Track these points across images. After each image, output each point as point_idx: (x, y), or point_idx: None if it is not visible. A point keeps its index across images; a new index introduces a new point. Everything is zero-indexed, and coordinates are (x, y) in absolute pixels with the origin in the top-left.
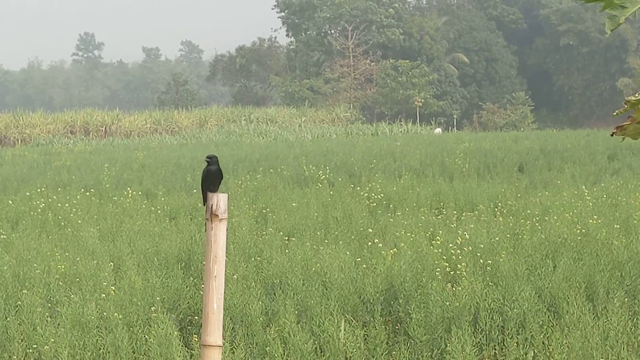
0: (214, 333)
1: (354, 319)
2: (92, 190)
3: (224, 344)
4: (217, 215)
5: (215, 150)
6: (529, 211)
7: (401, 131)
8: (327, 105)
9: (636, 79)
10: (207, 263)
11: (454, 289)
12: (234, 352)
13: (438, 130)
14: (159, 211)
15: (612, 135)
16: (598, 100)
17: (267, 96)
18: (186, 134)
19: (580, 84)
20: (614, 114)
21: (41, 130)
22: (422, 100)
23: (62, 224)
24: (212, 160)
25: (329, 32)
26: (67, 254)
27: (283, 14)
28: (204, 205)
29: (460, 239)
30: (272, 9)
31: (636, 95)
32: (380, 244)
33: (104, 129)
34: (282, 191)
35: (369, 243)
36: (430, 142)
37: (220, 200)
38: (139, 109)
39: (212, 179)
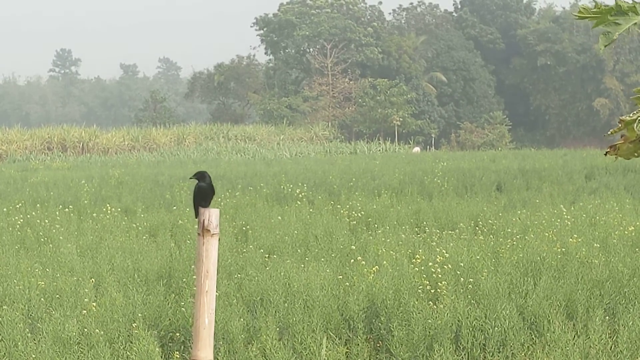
0: (205, 348)
1: (335, 336)
2: (70, 206)
3: None
4: (209, 231)
5: (194, 168)
6: (509, 230)
7: (379, 150)
8: (305, 123)
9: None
10: (199, 278)
11: (435, 306)
12: None
13: (416, 149)
14: (139, 228)
15: (605, 154)
16: (575, 120)
17: (246, 114)
18: (164, 151)
19: (557, 104)
20: (609, 132)
21: (18, 146)
22: (401, 119)
23: (42, 240)
24: (203, 176)
25: (308, 50)
26: (47, 270)
27: (262, 31)
28: (196, 218)
29: (440, 257)
30: (251, 26)
31: (630, 114)
32: (363, 262)
33: (81, 145)
34: (262, 209)
35: (352, 260)
36: (409, 161)
37: (212, 215)
38: (117, 125)
39: (203, 194)
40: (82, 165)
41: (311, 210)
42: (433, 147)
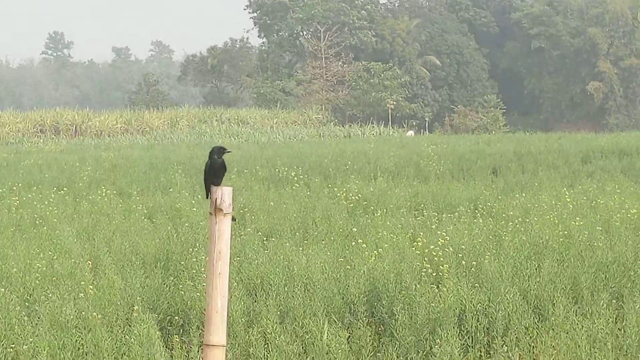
0: (218, 333)
1: (337, 320)
2: (65, 189)
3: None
4: (222, 210)
5: (186, 152)
6: (511, 212)
7: (373, 133)
8: (298, 106)
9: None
10: (211, 260)
11: (438, 290)
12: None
13: (410, 132)
14: (136, 211)
15: None
16: (569, 104)
17: (239, 97)
18: (157, 135)
19: (551, 88)
20: None
21: (10, 129)
22: (394, 103)
23: (37, 222)
24: (216, 152)
25: (301, 33)
26: (44, 252)
27: (255, 14)
28: (207, 199)
29: (442, 240)
30: (244, 9)
31: None
32: (364, 245)
33: (74, 128)
34: (258, 191)
35: (352, 243)
36: (403, 144)
37: (224, 194)
38: (110, 109)
39: (215, 171)
40: (75, 148)
41: (308, 193)
42: (427, 130)
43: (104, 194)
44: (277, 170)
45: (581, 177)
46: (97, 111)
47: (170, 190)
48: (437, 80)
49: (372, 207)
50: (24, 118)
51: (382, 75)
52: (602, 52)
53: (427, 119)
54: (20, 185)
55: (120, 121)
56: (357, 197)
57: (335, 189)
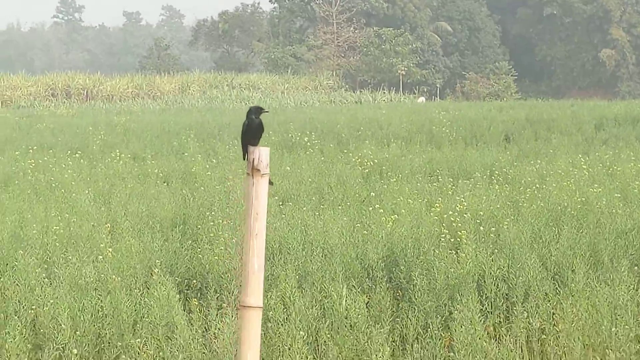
0: (255, 294)
1: (355, 285)
2: (79, 152)
3: (225, 307)
4: (259, 170)
5: (198, 117)
6: (529, 179)
7: (384, 100)
8: (309, 72)
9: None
10: (248, 221)
11: (457, 256)
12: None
13: (421, 99)
14: (151, 175)
15: None
16: (581, 71)
17: (250, 62)
18: (168, 99)
19: (562, 55)
20: None
21: (22, 92)
22: (405, 69)
23: (53, 185)
24: (254, 111)
25: None
26: (62, 215)
27: None
28: (244, 160)
29: (460, 206)
30: None
31: None
32: (381, 210)
33: (85, 92)
34: (272, 156)
35: (370, 209)
36: (415, 111)
37: (262, 154)
38: (120, 73)
39: (253, 132)
40: (87, 112)
41: (322, 158)
42: (438, 97)
43: (118, 158)
44: (290, 135)
45: (595, 145)
46: (108, 75)
47: (185, 154)
48: (448, 47)
49: (388, 173)
50: (35, 82)
51: (394, 41)
52: (614, 19)
53: (438, 86)
54: (35, 148)
55: (131, 86)
56: (371, 163)
57: (350, 154)
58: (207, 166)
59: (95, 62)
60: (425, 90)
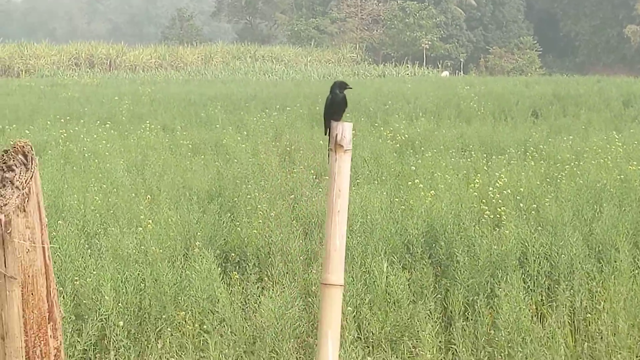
0: (336, 271)
1: (396, 261)
2: (109, 123)
3: (265, 279)
4: (342, 146)
5: (222, 88)
6: (567, 155)
7: (407, 74)
8: (332, 45)
9: None
10: (330, 197)
11: (498, 232)
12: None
13: (445, 73)
14: (182, 146)
15: None
16: (605, 47)
17: (272, 34)
18: (191, 70)
19: (587, 30)
20: None
21: (46, 61)
22: (429, 43)
23: (86, 155)
24: (338, 86)
25: None
26: (99, 186)
27: None
28: (326, 135)
29: (499, 182)
30: None
31: None
32: (421, 185)
33: (108, 62)
34: (302, 129)
35: (409, 183)
36: (440, 85)
37: (345, 129)
38: (143, 43)
39: (337, 107)
40: (111, 82)
41: (354, 132)
42: (461, 71)
43: (148, 129)
44: (317, 108)
45: (625, 121)
46: (131, 46)
47: (217, 125)
48: (472, 21)
49: (421, 148)
50: (59, 51)
51: (418, 14)
52: None
53: (461, 60)
54: (67, 118)
55: (155, 56)
56: (403, 138)
57: (381, 128)
58: (239, 138)
59: (117, 31)
60: (448, 64)
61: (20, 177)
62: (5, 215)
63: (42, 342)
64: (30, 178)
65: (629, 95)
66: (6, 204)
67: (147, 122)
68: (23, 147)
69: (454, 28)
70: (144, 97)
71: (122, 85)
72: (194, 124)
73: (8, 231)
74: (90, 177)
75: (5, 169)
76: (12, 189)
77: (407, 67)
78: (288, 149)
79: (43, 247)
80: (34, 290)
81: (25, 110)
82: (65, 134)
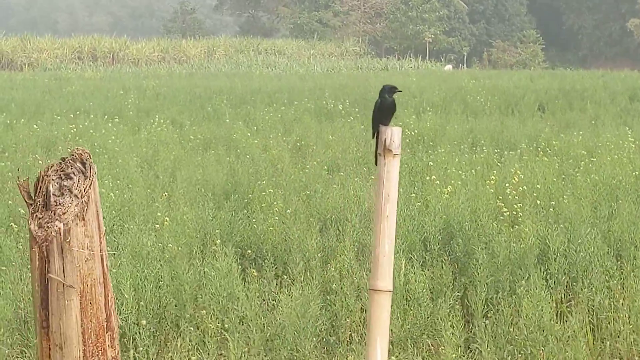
0: (385, 277)
1: (414, 258)
2: (117, 118)
3: (282, 277)
4: (391, 151)
5: (226, 82)
6: (582, 152)
7: (411, 67)
8: (335, 38)
9: None
10: (378, 202)
11: (517, 230)
12: (294, 286)
13: (448, 67)
14: (193, 141)
15: None
16: (608, 41)
17: (275, 27)
18: (194, 64)
19: (590, 24)
20: None
21: (49, 55)
22: (432, 36)
23: (97, 151)
24: (387, 90)
25: None
26: (113, 182)
27: None
28: (373, 138)
29: (516, 179)
30: None
31: None
32: (437, 181)
33: (111, 55)
34: (311, 124)
35: (426, 178)
36: (444, 78)
37: (394, 134)
38: (145, 36)
39: (386, 111)
40: (114, 76)
41: (363, 126)
42: (465, 65)
43: (157, 124)
44: (324, 102)
45: (633, 116)
46: (134, 39)
47: (227, 120)
48: (474, 14)
49: (431, 143)
50: (61, 44)
51: (421, 8)
52: None
53: (464, 53)
54: (77, 113)
55: (157, 49)
56: (413, 133)
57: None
58: (249, 134)
59: (118, 25)
60: (452, 58)
61: (79, 185)
62: (64, 224)
63: (100, 351)
64: (89, 186)
65: (635, 90)
66: (65, 213)
67: (156, 116)
68: (81, 154)
69: (457, 21)
70: (149, 92)
71: (126, 79)
72: (201, 119)
73: (67, 240)
74: (104, 172)
75: (63, 177)
76: (70, 197)
77: (410, 60)
78: (298, 144)
79: (101, 256)
80: (93, 299)
81: (31, 104)
82: (74, 129)
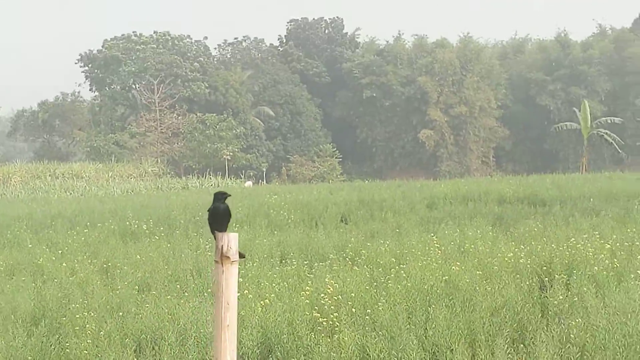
0: None
1: None
2: None
3: None
4: (229, 257)
5: (24, 207)
6: (382, 260)
7: (211, 185)
8: (134, 160)
9: (437, 131)
10: (218, 311)
11: (336, 339)
12: None
13: (249, 183)
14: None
15: None
16: (401, 152)
17: (71, 152)
18: None
19: (383, 136)
20: None
21: None
22: (230, 154)
23: None
24: (219, 197)
25: (134, 86)
26: None
27: (87, 68)
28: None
29: (330, 289)
30: (76, 63)
31: None
32: (250, 295)
33: None
34: (117, 245)
35: (239, 293)
36: (245, 195)
37: (231, 240)
38: None
39: (220, 217)
40: None
41: (169, 245)
42: (264, 180)
43: None
44: (127, 223)
45: (432, 223)
46: None
47: (30, 245)
48: (271, 131)
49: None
50: None
51: (217, 126)
52: (432, 101)
53: (263, 169)
54: None
55: None
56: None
57: (200, 239)
58: (54, 257)
59: None
60: (251, 174)
61: None
62: None
63: None
64: None
65: (432, 198)
66: None
67: None
68: None
69: (254, 138)
70: None
71: None
72: (2, 246)
73: None
74: None
75: None
76: None
77: (210, 178)
78: (105, 265)
79: None
80: None
81: None
82: None
